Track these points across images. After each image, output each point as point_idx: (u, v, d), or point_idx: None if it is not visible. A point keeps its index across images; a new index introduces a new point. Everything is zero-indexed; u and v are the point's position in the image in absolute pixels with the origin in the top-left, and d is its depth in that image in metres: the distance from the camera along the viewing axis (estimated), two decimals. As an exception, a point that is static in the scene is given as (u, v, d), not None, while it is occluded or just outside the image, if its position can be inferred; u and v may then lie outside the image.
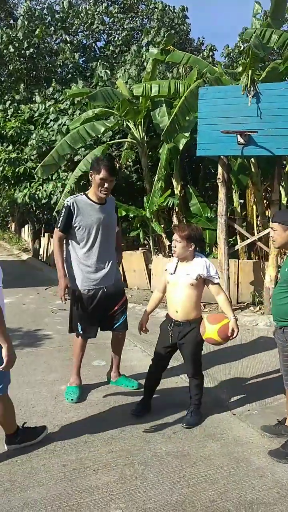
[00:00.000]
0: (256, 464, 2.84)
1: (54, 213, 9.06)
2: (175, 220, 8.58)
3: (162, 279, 3.47)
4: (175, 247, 3.25)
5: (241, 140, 5.53)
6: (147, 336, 5.46)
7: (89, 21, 14.65)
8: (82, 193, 3.63)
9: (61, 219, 3.50)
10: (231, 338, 3.16)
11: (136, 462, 2.85)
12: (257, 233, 7.22)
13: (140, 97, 8.06)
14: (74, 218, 3.47)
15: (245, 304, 7.01)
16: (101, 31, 15.07)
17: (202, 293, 3.33)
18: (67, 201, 3.51)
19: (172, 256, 3.39)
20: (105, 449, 2.99)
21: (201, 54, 13.77)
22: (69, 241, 3.59)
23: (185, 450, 2.99)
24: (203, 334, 3.19)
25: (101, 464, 2.82)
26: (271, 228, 2.98)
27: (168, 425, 3.33)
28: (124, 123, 8.63)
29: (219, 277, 3.32)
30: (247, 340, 5.40)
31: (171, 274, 3.31)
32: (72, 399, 3.67)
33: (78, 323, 3.66)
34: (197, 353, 3.35)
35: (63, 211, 3.50)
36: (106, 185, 3.46)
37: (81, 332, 3.68)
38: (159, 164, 7.65)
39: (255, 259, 7.73)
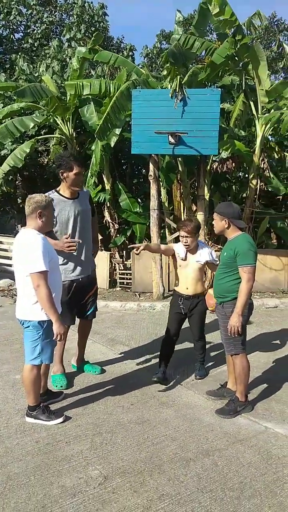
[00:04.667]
0: (206, 422, 3.31)
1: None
2: (106, 215, 8.88)
3: (169, 248, 4.04)
4: (187, 243, 3.82)
5: (172, 140, 6.00)
6: (106, 331, 5.70)
7: (6, 11, 14.19)
8: (53, 191, 3.72)
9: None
10: None
11: (103, 432, 3.15)
12: (185, 226, 7.80)
13: (68, 94, 8.19)
14: None
15: (176, 291, 7.56)
16: (19, 22, 14.68)
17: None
18: None
19: (183, 249, 3.91)
20: (72, 424, 3.24)
21: (121, 53, 14.13)
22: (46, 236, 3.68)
23: (144, 417, 3.36)
24: (212, 306, 3.71)
25: (72, 437, 3.08)
26: (213, 217, 3.45)
27: (125, 399, 3.67)
28: (52, 118, 8.68)
29: (218, 260, 3.88)
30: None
31: (183, 259, 3.89)
32: (61, 386, 3.81)
33: None
34: (203, 321, 4.03)
35: None
36: (81, 179, 3.64)
37: None
38: (93, 160, 7.87)
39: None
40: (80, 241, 3.65)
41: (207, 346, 4.97)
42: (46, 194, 3.63)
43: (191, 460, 2.82)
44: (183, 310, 3.95)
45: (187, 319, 4.05)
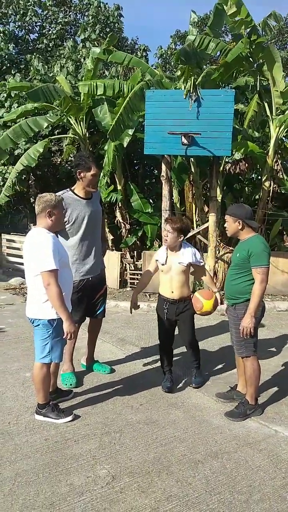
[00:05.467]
0: (215, 424, 3.29)
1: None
2: (118, 215, 8.90)
3: (152, 264, 3.93)
4: (167, 237, 3.71)
5: (185, 141, 5.98)
6: (116, 330, 5.71)
7: (22, 12, 14.32)
8: (68, 190, 3.75)
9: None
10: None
11: (112, 431, 3.15)
12: (197, 227, 7.79)
13: (82, 94, 8.22)
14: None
15: (186, 292, 7.54)
16: (34, 23, 14.80)
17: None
18: None
19: (163, 245, 3.84)
20: (81, 423, 3.25)
21: (135, 54, 14.14)
22: (58, 235, 3.68)
23: (153, 418, 3.36)
24: (200, 309, 3.65)
25: (80, 435, 3.09)
26: (225, 219, 3.42)
27: (134, 399, 3.67)
28: (66, 118, 8.73)
29: (203, 261, 3.87)
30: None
31: (163, 264, 3.77)
32: (71, 384, 3.82)
33: None
34: (193, 325, 3.87)
35: None
36: (97, 179, 3.66)
37: None
38: (105, 160, 7.89)
39: (194, 251, 8.32)
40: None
41: (216, 348, 4.98)
42: (60, 193, 3.65)
43: (199, 462, 2.81)
44: (166, 315, 3.80)
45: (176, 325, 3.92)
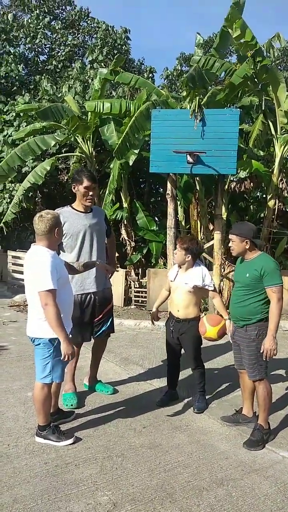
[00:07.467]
0: (221, 449, 3.19)
1: (1, 224, 8.93)
2: (123, 233, 8.90)
3: (167, 281, 3.97)
4: (175, 254, 3.76)
5: (190, 159, 6.00)
6: (120, 349, 5.65)
7: (32, 35, 14.70)
8: (68, 205, 3.79)
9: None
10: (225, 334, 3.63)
11: (114, 455, 3.06)
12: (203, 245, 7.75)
13: (89, 114, 8.35)
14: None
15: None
16: (44, 45, 15.17)
17: (201, 295, 3.87)
18: None
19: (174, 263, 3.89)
20: (83, 446, 3.16)
21: (142, 75, 14.41)
22: (60, 250, 3.69)
23: (156, 442, 3.26)
24: (203, 333, 3.57)
25: (81, 459, 3.00)
26: (230, 239, 3.36)
27: (137, 422, 3.58)
28: (73, 137, 8.84)
29: (213, 284, 3.84)
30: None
31: (171, 281, 3.80)
32: (72, 405, 3.73)
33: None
34: (196, 347, 3.81)
35: None
36: (90, 193, 3.66)
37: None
38: (110, 178, 7.94)
39: (199, 270, 8.26)
40: (99, 262, 3.66)
41: (221, 368, 4.88)
42: (58, 208, 3.70)
43: (204, 489, 2.70)
44: (172, 334, 3.82)
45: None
